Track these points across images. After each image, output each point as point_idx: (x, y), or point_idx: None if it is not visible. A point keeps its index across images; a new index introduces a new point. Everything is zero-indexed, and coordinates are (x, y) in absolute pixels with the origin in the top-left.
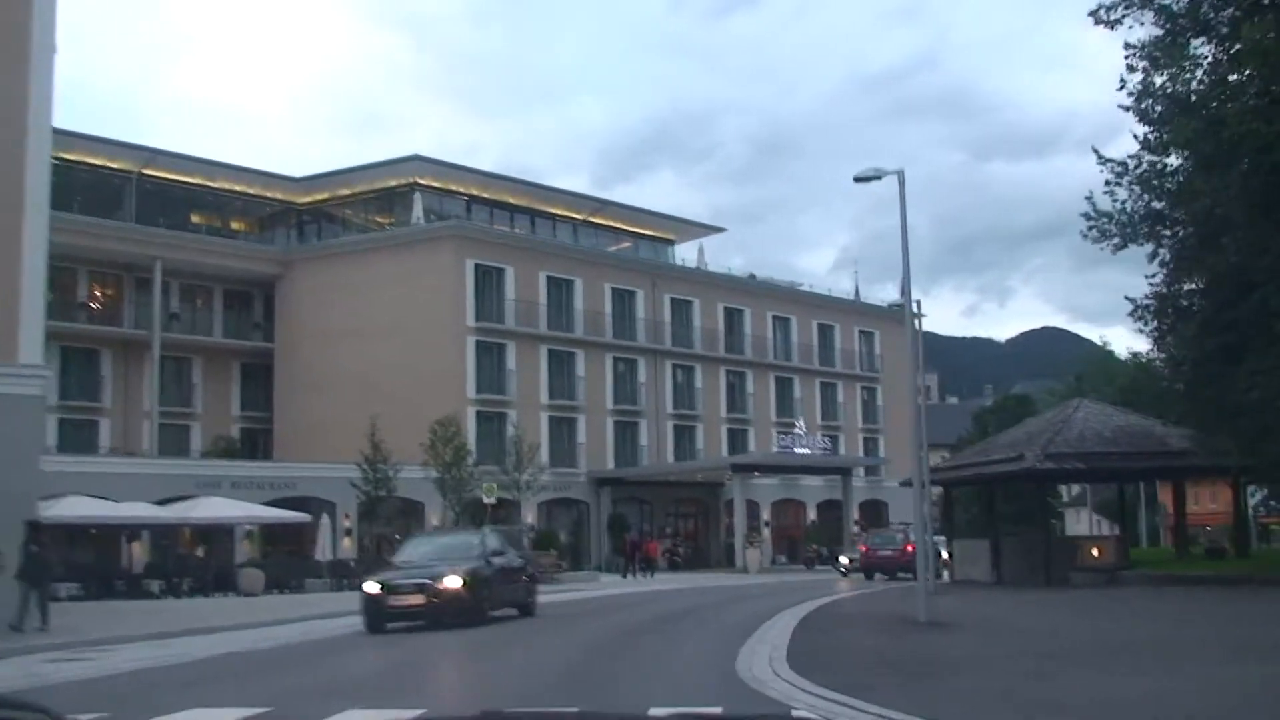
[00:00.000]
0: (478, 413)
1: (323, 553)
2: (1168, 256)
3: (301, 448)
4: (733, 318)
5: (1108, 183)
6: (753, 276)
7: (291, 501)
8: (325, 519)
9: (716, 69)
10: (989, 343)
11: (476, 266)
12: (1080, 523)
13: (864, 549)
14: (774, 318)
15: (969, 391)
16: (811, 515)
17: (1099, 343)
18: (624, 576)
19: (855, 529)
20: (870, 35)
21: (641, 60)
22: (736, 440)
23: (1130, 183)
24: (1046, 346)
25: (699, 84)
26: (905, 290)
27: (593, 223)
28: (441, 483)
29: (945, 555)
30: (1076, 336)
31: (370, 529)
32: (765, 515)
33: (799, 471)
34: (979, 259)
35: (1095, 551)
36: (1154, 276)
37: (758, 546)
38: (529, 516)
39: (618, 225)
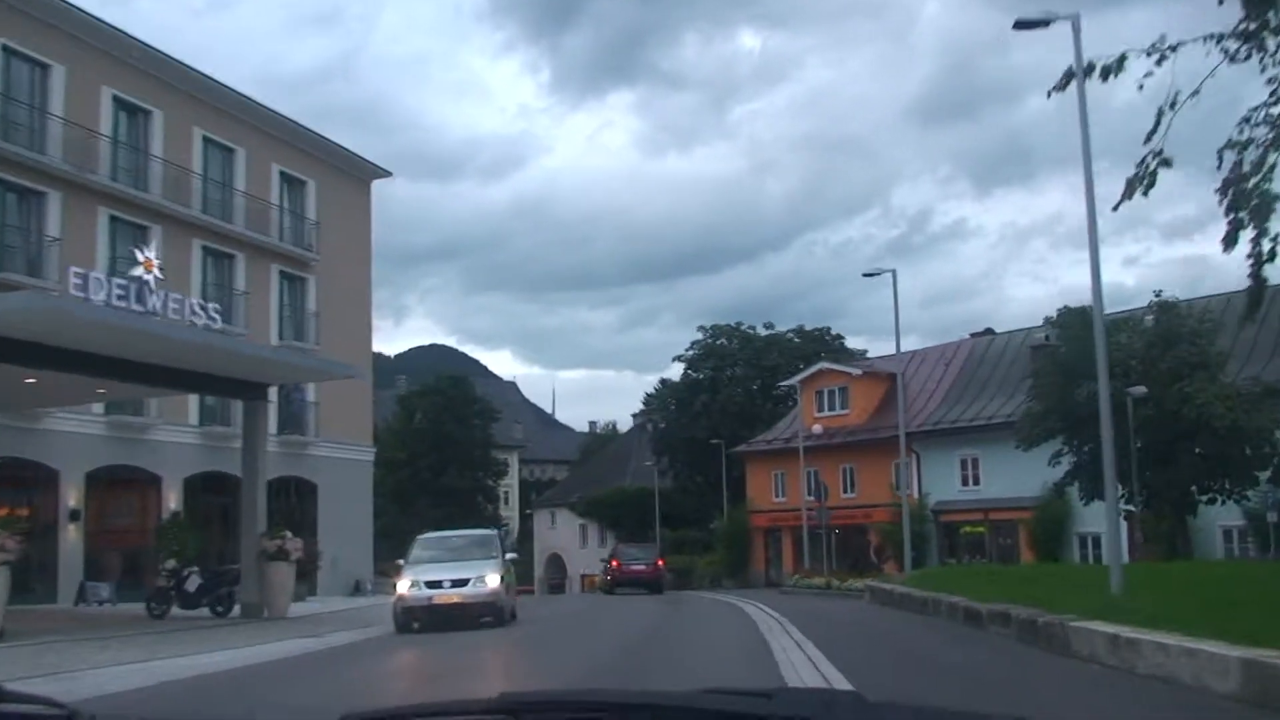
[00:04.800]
0: None
1: None
2: None
3: None
4: (21, 75)
5: None
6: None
7: None
8: None
9: None
10: (379, 356)
11: None
12: (557, 530)
13: (615, 563)
14: (116, 99)
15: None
16: (174, 503)
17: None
18: None
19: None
20: (283, 38)
21: None
22: None
23: None
24: (433, 363)
25: None
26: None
27: None
28: None
29: None
30: (463, 355)
31: None
32: (71, 499)
33: (141, 381)
34: (375, 275)
35: None
36: None
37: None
38: None
39: None
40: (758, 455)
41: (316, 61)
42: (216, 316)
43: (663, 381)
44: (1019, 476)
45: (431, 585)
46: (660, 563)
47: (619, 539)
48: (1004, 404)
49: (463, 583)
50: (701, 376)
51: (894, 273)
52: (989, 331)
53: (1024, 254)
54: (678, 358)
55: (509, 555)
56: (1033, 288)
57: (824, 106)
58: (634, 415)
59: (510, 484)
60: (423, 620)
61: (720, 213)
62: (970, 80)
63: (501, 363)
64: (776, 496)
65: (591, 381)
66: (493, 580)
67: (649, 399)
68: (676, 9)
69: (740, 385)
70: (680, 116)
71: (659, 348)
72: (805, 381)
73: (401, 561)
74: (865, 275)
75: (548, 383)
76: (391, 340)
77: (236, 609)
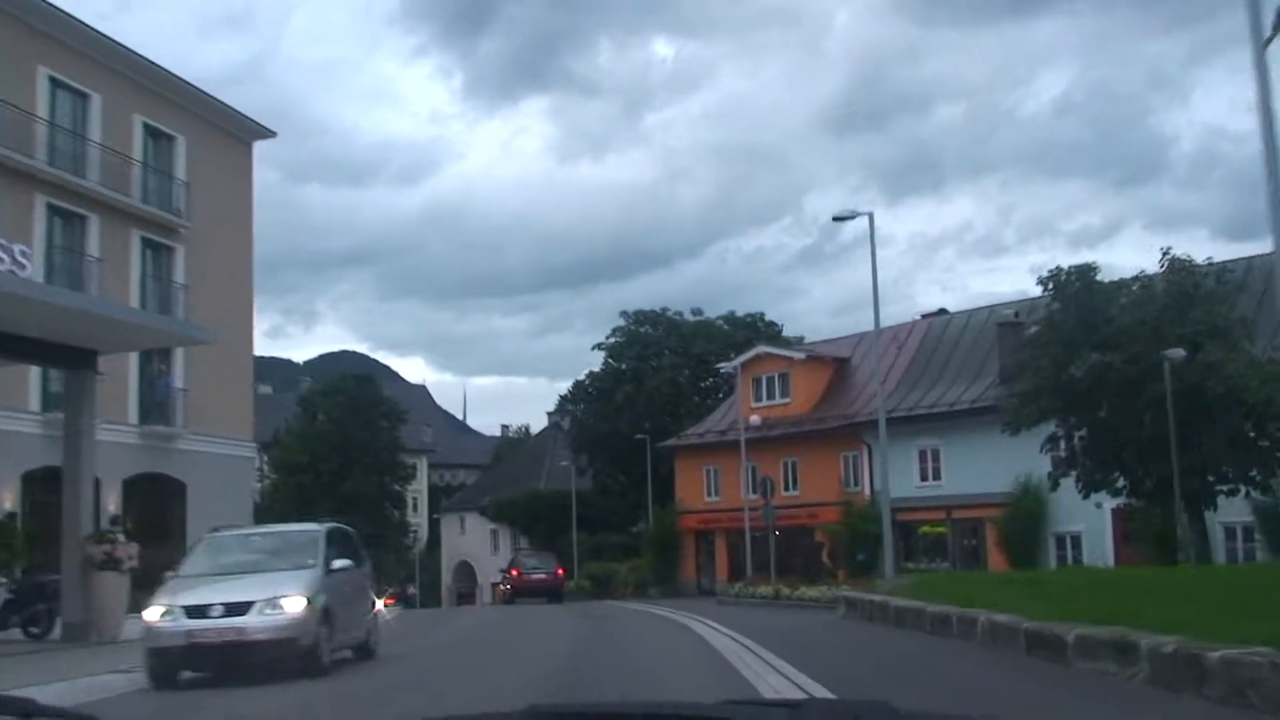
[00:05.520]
0: None
1: None
2: None
3: None
4: None
5: None
6: None
7: None
8: None
9: None
10: (288, 363)
11: None
12: (466, 536)
13: (515, 571)
14: None
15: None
16: (8, 503)
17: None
18: None
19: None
20: (192, 40)
21: None
22: None
23: None
24: (342, 368)
25: None
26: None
27: None
28: None
29: None
30: (374, 361)
31: None
32: None
33: None
34: (286, 281)
35: None
36: None
37: None
38: None
39: None
40: (688, 450)
41: (226, 64)
42: (25, 261)
43: (577, 383)
44: (986, 470)
45: (193, 613)
46: (560, 571)
47: (530, 545)
48: (966, 389)
49: (241, 609)
50: (624, 366)
51: (870, 215)
52: (942, 312)
53: (933, 263)
54: (598, 346)
55: (338, 563)
56: (942, 297)
57: (737, 115)
58: (549, 413)
59: (419, 489)
60: (187, 667)
61: (634, 220)
62: (881, 90)
63: (413, 369)
64: (709, 495)
65: (504, 388)
66: (294, 604)
67: (564, 400)
68: (589, 15)
69: (667, 375)
70: (594, 123)
71: (572, 354)
72: (742, 367)
73: (170, 574)
74: (835, 219)
75: (459, 390)
76: (301, 346)
77: (58, 629)
